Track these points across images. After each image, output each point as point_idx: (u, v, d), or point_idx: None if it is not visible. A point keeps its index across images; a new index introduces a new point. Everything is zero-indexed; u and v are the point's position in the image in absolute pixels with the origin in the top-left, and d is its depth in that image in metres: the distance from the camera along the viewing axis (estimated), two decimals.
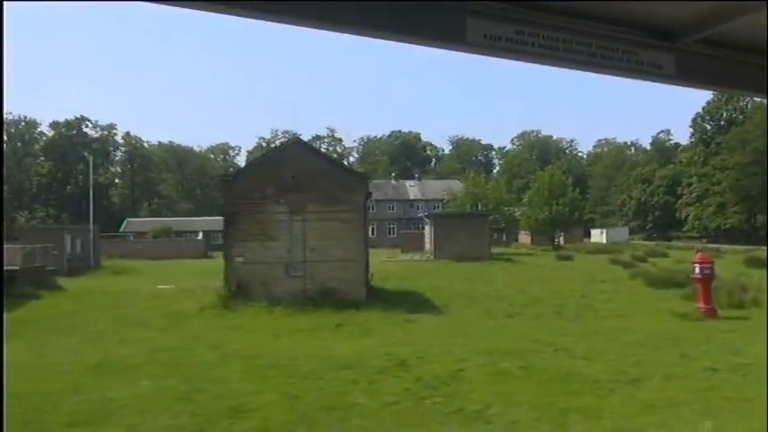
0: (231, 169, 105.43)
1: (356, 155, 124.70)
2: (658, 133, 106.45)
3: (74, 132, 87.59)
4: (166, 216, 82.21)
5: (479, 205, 52.97)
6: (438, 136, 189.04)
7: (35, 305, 20.89)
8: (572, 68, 2.28)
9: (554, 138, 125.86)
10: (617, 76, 2.39)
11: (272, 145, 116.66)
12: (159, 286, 26.98)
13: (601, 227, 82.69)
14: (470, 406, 8.00)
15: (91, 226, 41.30)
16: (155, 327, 16.17)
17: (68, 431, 7.69)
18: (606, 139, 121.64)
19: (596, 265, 35.77)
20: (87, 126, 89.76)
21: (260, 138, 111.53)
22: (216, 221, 74.96)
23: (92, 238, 41.13)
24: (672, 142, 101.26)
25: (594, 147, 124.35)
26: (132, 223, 71.74)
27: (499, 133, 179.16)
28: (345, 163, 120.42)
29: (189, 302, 19.19)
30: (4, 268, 23.69)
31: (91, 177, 44.13)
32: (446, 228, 35.72)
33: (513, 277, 28.40)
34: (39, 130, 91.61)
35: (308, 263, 17.92)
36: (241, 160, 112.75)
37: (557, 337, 13.18)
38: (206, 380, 10.10)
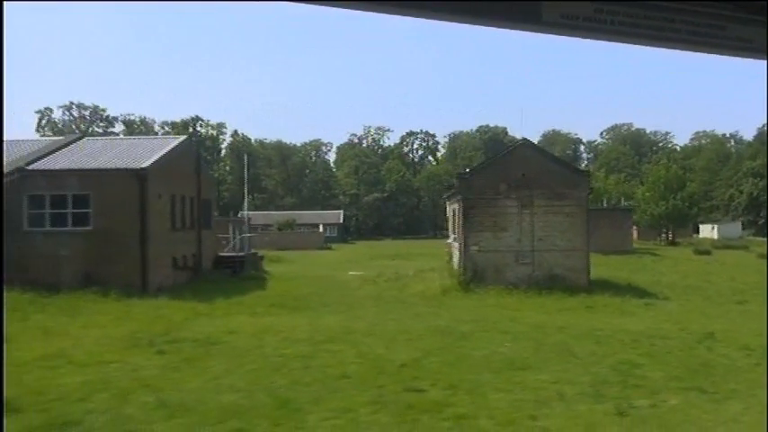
0: (330, 165, 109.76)
1: (442, 149, 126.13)
2: (764, 125, 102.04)
3: (189, 131, 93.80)
4: (268, 210, 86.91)
5: (604, 200, 53.61)
6: (521, 129, 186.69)
7: (274, 287, 23.93)
8: (655, 46, 2.14)
9: (647, 131, 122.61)
10: (703, 52, 2.21)
11: (364, 141, 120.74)
12: (350, 273, 29.93)
13: (709, 222, 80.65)
14: None
15: (245, 218, 45.16)
16: (414, 304, 18.68)
17: (508, 372, 10.02)
18: (705, 132, 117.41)
19: (745, 259, 36.16)
20: (200, 125, 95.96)
21: (351, 134, 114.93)
22: (333, 215, 79.08)
23: (246, 229, 45.06)
24: None
25: (691, 139, 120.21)
26: (255, 216, 76.37)
27: (585, 126, 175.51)
28: (432, 158, 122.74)
29: (420, 285, 21.69)
30: (233, 253, 27.17)
31: (246, 173, 48.01)
32: (592, 222, 36.89)
33: (680, 270, 29.50)
34: (154, 129, 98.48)
35: (535, 252, 20.02)
36: (332, 156, 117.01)
37: None
38: (549, 343, 12.33)
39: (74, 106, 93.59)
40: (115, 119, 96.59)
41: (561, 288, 19.42)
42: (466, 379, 9.54)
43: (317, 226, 69.16)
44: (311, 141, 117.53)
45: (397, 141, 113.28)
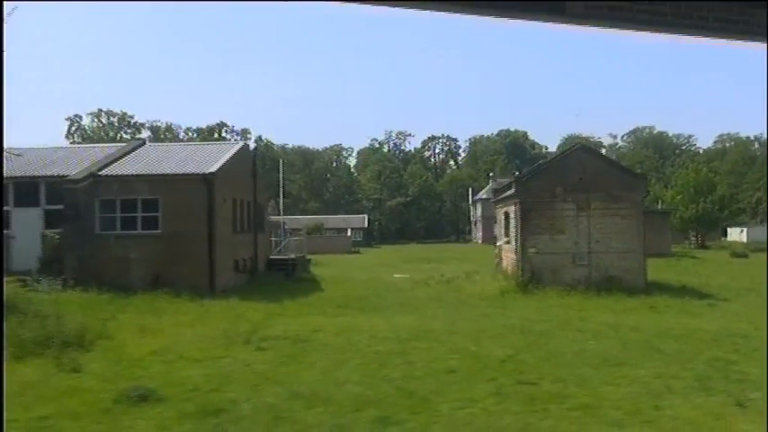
0: (350, 169, 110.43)
1: (462, 153, 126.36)
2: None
3: (214, 137, 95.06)
4: (294, 214, 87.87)
5: None
6: (543, 133, 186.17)
7: (330, 289, 24.43)
8: (681, 33, 2.06)
9: (669, 134, 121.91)
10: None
11: (385, 146, 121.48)
12: (395, 275, 30.42)
13: (736, 225, 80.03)
14: None
15: (281, 222, 45.99)
16: (476, 305, 19.08)
17: (606, 368, 10.41)
18: (729, 134, 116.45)
19: None
20: (225, 131, 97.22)
21: (372, 139, 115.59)
22: (358, 219, 79.71)
23: (282, 233, 45.93)
24: None
25: (715, 142, 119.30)
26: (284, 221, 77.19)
27: (604, 130, 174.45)
28: (453, 162, 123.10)
29: (475, 287, 22.11)
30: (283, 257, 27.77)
31: (281, 176, 48.84)
32: None
33: (724, 272, 29.60)
34: (180, 134, 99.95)
35: (592, 254, 20.36)
36: (353, 161, 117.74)
37: None
38: (631, 341, 12.68)
39: (102, 113, 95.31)
40: (142, 125, 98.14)
41: (618, 289, 19.71)
42: (570, 374, 9.94)
43: (343, 230, 69.89)
44: (332, 146, 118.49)
45: (419, 146, 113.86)
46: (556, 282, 20.15)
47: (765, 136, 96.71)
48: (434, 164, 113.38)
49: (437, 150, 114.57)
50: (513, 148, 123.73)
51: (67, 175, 20.32)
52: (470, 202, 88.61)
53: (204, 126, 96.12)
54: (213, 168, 20.48)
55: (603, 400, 8.42)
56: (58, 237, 19.85)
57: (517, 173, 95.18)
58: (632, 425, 7.46)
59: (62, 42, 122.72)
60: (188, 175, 20.51)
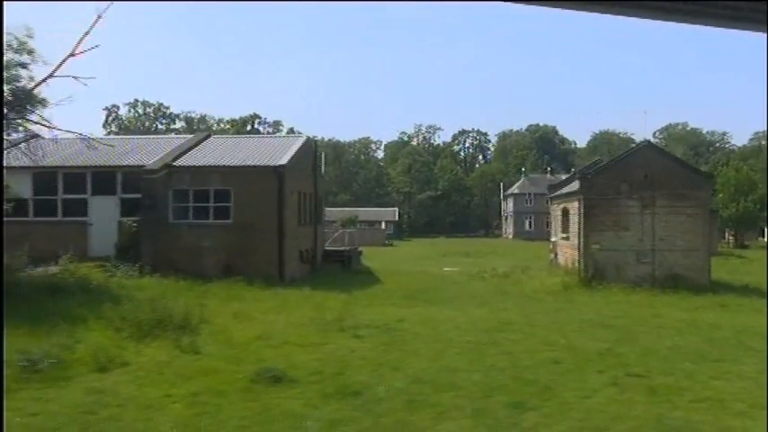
0: (379, 162, 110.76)
1: (490, 148, 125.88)
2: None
3: (248, 129, 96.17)
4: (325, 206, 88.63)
5: None
6: (572, 129, 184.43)
7: (388, 281, 24.85)
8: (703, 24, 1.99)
9: (704, 131, 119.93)
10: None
11: (414, 140, 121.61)
12: (445, 269, 30.78)
13: None
14: None
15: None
16: (542, 300, 19.31)
17: (707, 363, 10.63)
18: (764, 132, 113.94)
19: None
20: (258, 123, 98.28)
21: (402, 132, 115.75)
22: (389, 212, 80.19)
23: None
24: None
25: (750, 140, 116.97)
26: None
27: (635, 126, 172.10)
28: (482, 156, 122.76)
29: (534, 282, 22.35)
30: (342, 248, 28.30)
31: (323, 169, 49.26)
32: None
33: None
34: (213, 125, 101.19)
35: (656, 251, 20.46)
36: (380, 153, 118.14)
37: None
38: (717, 338, 12.84)
39: (139, 103, 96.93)
40: (177, 116, 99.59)
41: (683, 287, 19.81)
42: (674, 368, 10.20)
43: (375, 223, 70.37)
44: (360, 139, 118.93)
45: (448, 140, 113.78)
46: (619, 278, 20.31)
47: None
48: (464, 158, 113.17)
49: (467, 144, 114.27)
50: (543, 143, 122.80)
51: (143, 165, 21.01)
52: (502, 197, 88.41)
53: (237, 117, 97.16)
54: (283, 161, 21.00)
55: (723, 394, 8.68)
56: (135, 225, 20.57)
57: (549, 168, 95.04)
58: (762, 417, 7.71)
59: (101, 38, 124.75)
60: (259, 167, 21.08)
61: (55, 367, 9.20)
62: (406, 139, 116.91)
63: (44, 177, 21.45)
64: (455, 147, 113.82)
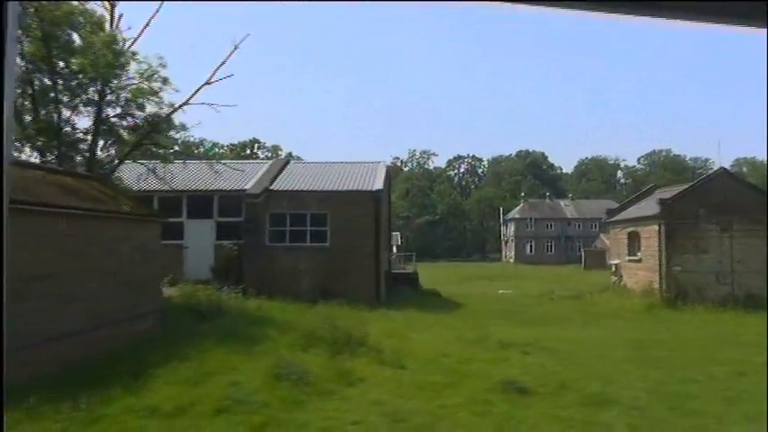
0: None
1: (484, 173, 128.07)
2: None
3: (248, 152, 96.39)
4: None
5: None
6: (558, 155, 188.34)
7: (463, 304, 25.43)
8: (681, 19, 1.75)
9: (687, 158, 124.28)
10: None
11: (407, 165, 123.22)
12: (500, 291, 31.54)
13: None
14: None
15: None
16: (636, 319, 20.19)
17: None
18: (745, 159, 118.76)
19: None
20: (258, 147, 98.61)
21: (395, 157, 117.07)
22: (394, 237, 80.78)
23: None
24: None
25: (732, 166, 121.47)
26: None
27: (619, 152, 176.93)
28: (476, 182, 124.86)
29: (613, 303, 23.26)
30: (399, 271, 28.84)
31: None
32: None
33: None
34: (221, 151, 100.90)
35: (734, 273, 21.62)
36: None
37: None
38: None
39: None
40: (175, 140, 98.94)
41: (762, 307, 20.91)
42: None
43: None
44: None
45: (443, 165, 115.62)
46: (700, 299, 21.36)
47: None
48: (460, 183, 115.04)
49: (462, 170, 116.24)
50: (533, 168, 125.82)
51: (243, 190, 21.44)
52: (501, 221, 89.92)
53: (236, 142, 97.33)
54: (379, 185, 21.67)
55: None
56: (236, 248, 20.90)
57: (548, 194, 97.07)
58: None
59: None
60: (356, 191, 21.68)
61: (310, 382, 9.63)
62: (399, 164, 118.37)
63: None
64: (450, 172, 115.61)
